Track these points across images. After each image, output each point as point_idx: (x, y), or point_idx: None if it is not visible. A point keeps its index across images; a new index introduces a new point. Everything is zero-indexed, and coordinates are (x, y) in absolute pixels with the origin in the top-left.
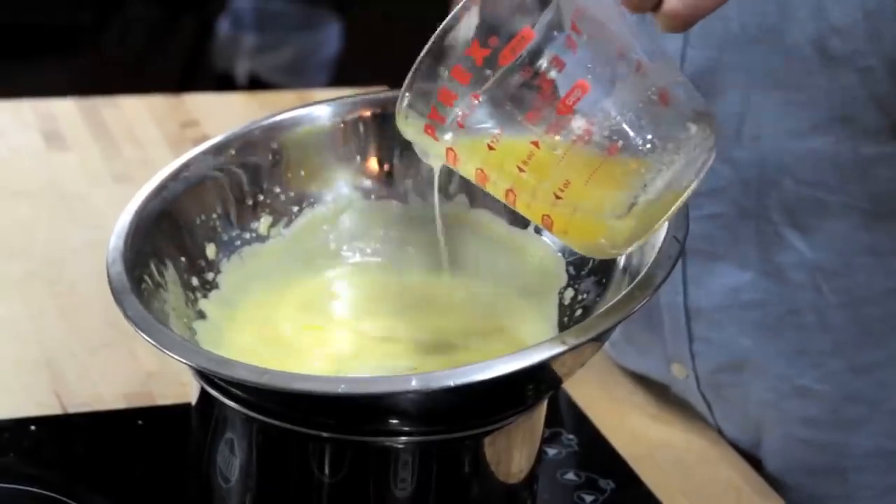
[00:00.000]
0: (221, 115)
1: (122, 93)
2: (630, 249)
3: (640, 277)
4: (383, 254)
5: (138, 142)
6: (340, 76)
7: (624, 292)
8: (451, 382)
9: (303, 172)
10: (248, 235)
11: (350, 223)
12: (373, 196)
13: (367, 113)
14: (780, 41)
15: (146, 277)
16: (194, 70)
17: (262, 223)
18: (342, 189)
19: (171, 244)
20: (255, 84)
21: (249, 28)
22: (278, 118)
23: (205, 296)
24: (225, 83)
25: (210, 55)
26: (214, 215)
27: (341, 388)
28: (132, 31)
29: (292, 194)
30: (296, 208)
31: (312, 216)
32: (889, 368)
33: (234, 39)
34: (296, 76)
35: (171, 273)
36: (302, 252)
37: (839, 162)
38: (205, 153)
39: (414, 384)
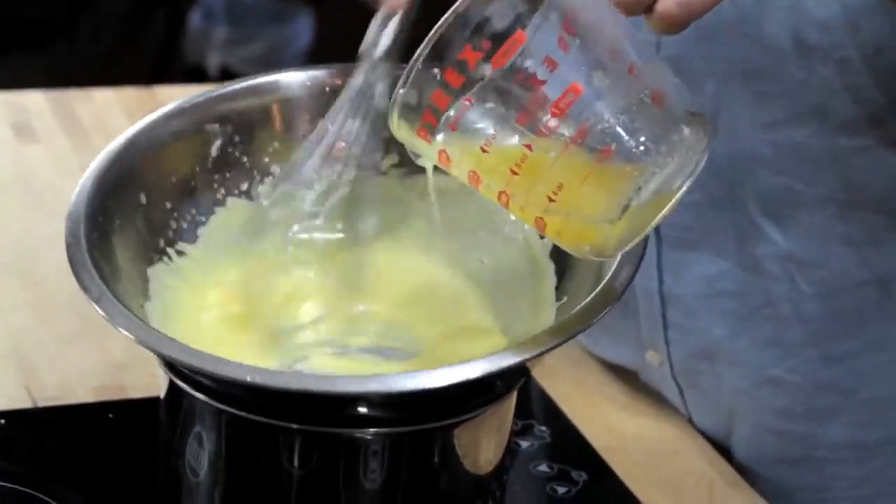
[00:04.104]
0: None
1: (94, 85)
2: (622, 252)
3: (611, 272)
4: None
5: (109, 134)
6: None
7: (597, 290)
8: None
9: (276, 145)
10: (210, 208)
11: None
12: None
13: (340, 83)
14: (757, 32)
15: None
16: (166, 62)
17: (227, 194)
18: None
19: (129, 217)
20: (227, 76)
21: (221, 20)
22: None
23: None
24: (197, 76)
25: (182, 48)
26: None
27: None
28: (104, 24)
29: (258, 165)
30: (259, 179)
31: (281, 189)
32: (863, 359)
33: (206, 32)
34: (267, 69)
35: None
36: (269, 225)
37: (815, 153)
38: (165, 117)
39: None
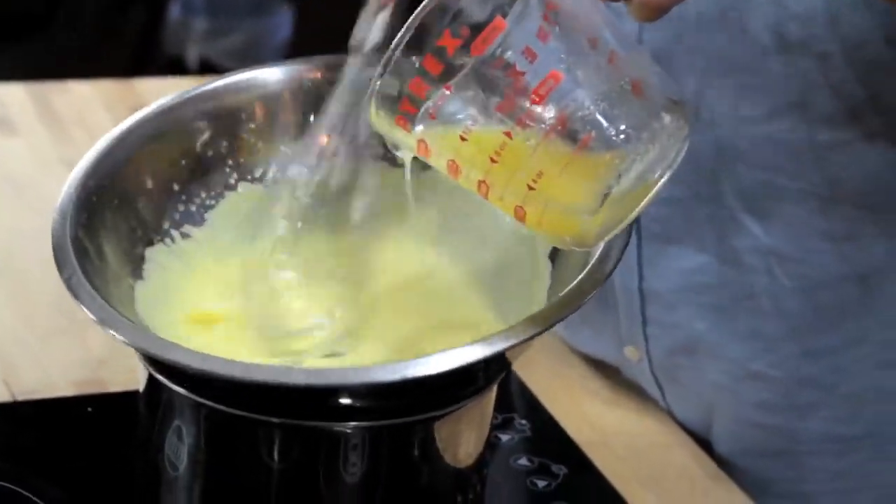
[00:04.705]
0: None
1: (73, 78)
2: (602, 242)
3: (592, 263)
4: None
5: (88, 127)
6: None
7: (577, 280)
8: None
9: (258, 143)
10: (194, 204)
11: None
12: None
13: (319, 75)
14: (738, 26)
15: (90, 250)
16: (145, 55)
17: (240, 178)
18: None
19: (114, 215)
20: (207, 69)
21: (200, 13)
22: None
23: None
24: (176, 68)
25: (161, 40)
26: (161, 183)
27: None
28: (83, 16)
29: (272, 151)
30: (211, 193)
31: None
32: (843, 353)
33: (185, 24)
34: (247, 61)
35: (112, 244)
36: (249, 221)
37: (795, 147)
38: (148, 118)
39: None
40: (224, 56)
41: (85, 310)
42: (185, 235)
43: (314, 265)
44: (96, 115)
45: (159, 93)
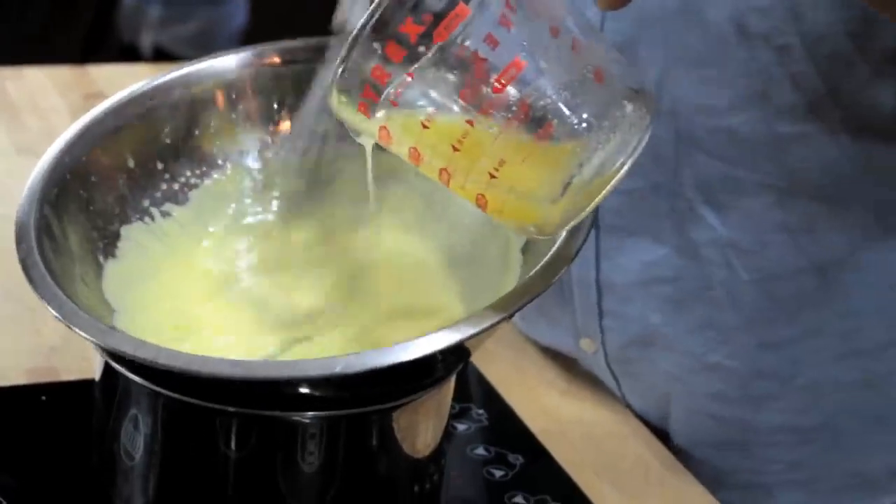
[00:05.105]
0: (126, 86)
1: (24, 64)
2: (564, 230)
3: (551, 253)
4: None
5: (42, 113)
6: None
7: (536, 269)
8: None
9: (281, 114)
10: (155, 195)
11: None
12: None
13: (277, 59)
14: (699, 17)
15: (51, 242)
16: (98, 42)
17: (170, 183)
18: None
19: (77, 207)
20: (161, 56)
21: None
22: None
23: (107, 258)
24: (129, 55)
25: (114, 27)
26: (120, 176)
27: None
28: (34, 2)
29: (192, 158)
30: (195, 172)
31: (214, 180)
32: (799, 345)
33: (139, 10)
34: (202, 49)
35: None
36: (211, 213)
37: (754, 140)
38: (108, 112)
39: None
40: (178, 43)
41: (36, 294)
42: (165, 214)
43: (285, 251)
44: (50, 101)
45: (114, 79)
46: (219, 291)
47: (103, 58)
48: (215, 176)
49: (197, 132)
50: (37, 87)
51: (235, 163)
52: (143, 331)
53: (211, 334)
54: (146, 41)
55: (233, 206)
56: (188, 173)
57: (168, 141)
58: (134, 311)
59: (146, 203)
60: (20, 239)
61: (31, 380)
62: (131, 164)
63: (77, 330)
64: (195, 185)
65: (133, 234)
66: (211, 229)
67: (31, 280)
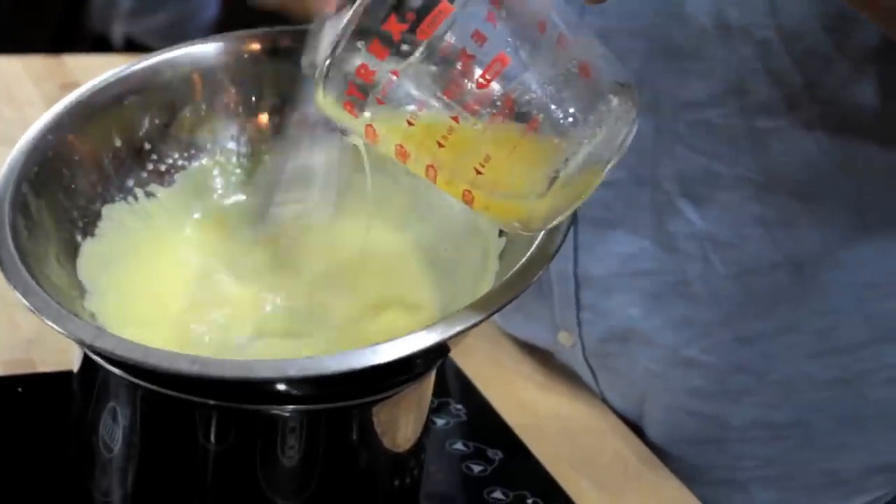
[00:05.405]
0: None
1: None
2: (550, 226)
3: (531, 251)
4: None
5: (17, 102)
6: None
7: (516, 267)
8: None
9: (238, 108)
10: (141, 175)
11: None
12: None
13: (257, 46)
14: (678, 11)
15: (26, 220)
16: (69, 33)
17: (157, 164)
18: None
19: (58, 185)
20: (132, 47)
21: None
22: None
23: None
24: (100, 46)
25: (85, 17)
26: (105, 155)
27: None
28: None
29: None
30: (184, 154)
31: (201, 164)
32: (775, 340)
33: (110, 2)
34: (173, 40)
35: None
36: (195, 197)
37: (733, 133)
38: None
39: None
40: (149, 34)
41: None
42: (149, 195)
43: (265, 240)
44: (24, 90)
45: (89, 69)
46: (197, 278)
47: (74, 49)
48: (203, 160)
49: (187, 114)
50: (11, 76)
51: (223, 147)
52: (115, 314)
53: (187, 320)
54: (117, 32)
55: (219, 191)
56: (175, 155)
57: (157, 121)
58: (108, 293)
59: (130, 183)
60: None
61: (8, 371)
62: (118, 143)
63: (32, 309)
64: (182, 168)
65: (115, 214)
66: (196, 216)
67: (7, 275)
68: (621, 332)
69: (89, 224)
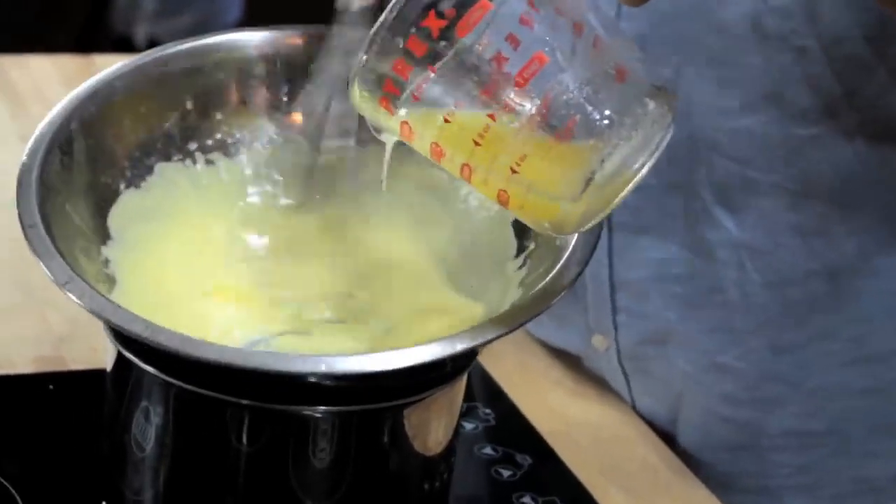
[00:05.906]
0: None
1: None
2: (585, 229)
3: (565, 257)
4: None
5: (47, 102)
6: None
7: (550, 275)
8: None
9: (229, 102)
10: (206, 142)
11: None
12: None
13: (300, 41)
14: (714, 18)
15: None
16: (92, 33)
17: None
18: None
19: (115, 132)
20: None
21: None
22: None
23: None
24: (123, 47)
25: (109, 19)
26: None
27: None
28: None
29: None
30: (255, 133)
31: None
32: (809, 349)
33: (134, 3)
34: None
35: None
36: (254, 178)
37: (770, 141)
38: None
39: (323, 367)
40: (173, 36)
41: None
42: (209, 162)
43: (298, 242)
44: (54, 89)
45: None
46: (231, 260)
47: (98, 49)
48: (269, 144)
49: (267, 94)
50: (41, 76)
51: (287, 137)
52: (132, 268)
53: (212, 303)
54: (141, 33)
55: (277, 177)
56: (246, 132)
57: (235, 96)
58: (134, 246)
59: (193, 146)
60: (22, 208)
61: (39, 369)
62: (189, 105)
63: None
64: (249, 144)
65: (168, 173)
66: (251, 199)
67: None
68: (657, 336)
69: (137, 177)
